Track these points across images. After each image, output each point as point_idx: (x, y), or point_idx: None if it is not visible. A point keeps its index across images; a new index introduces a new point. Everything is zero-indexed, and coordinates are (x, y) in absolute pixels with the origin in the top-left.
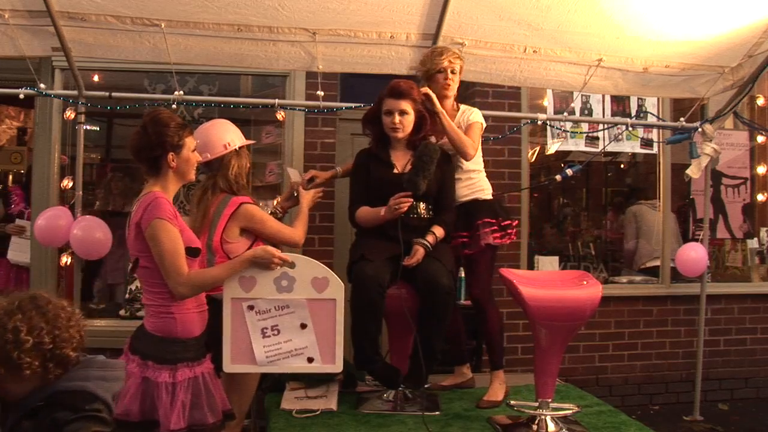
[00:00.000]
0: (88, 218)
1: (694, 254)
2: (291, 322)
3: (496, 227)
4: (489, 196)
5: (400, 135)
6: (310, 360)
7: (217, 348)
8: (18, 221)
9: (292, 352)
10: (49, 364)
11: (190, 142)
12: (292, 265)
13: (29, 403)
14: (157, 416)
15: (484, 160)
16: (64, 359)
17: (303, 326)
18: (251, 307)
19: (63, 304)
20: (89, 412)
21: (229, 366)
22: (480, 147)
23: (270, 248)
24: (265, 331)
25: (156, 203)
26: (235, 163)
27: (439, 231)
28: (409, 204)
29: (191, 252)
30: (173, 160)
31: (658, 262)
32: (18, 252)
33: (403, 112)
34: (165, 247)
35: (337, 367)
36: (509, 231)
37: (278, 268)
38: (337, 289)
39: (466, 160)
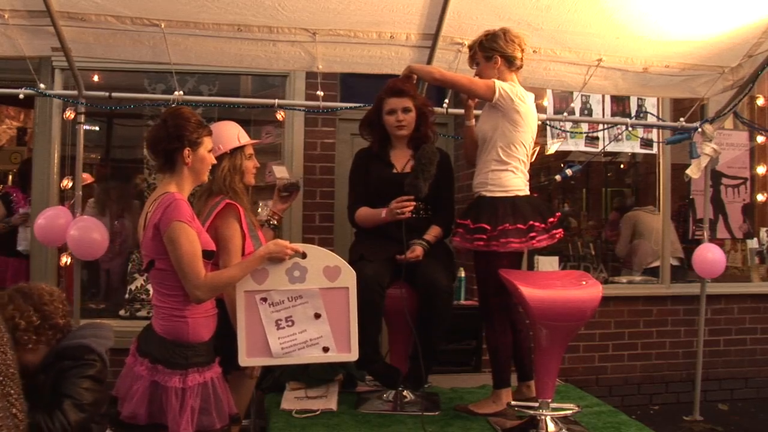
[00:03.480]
0: (86, 218)
1: (711, 255)
2: (305, 312)
3: (461, 229)
4: (496, 194)
5: (405, 132)
6: (326, 349)
7: (224, 350)
8: (21, 210)
9: (307, 342)
10: (48, 333)
11: (207, 141)
12: (303, 256)
13: (44, 362)
14: (165, 420)
15: None
16: (56, 326)
17: (317, 316)
18: (264, 299)
19: (42, 286)
20: (87, 361)
21: (244, 360)
22: (509, 143)
23: (281, 241)
24: (279, 322)
25: (175, 205)
26: (226, 164)
27: (436, 230)
28: (411, 208)
29: (206, 255)
30: (189, 156)
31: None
32: (28, 242)
33: (406, 110)
34: (184, 251)
35: (353, 355)
36: (478, 235)
37: (289, 258)
38: (349, 277)
39: (484, 99)
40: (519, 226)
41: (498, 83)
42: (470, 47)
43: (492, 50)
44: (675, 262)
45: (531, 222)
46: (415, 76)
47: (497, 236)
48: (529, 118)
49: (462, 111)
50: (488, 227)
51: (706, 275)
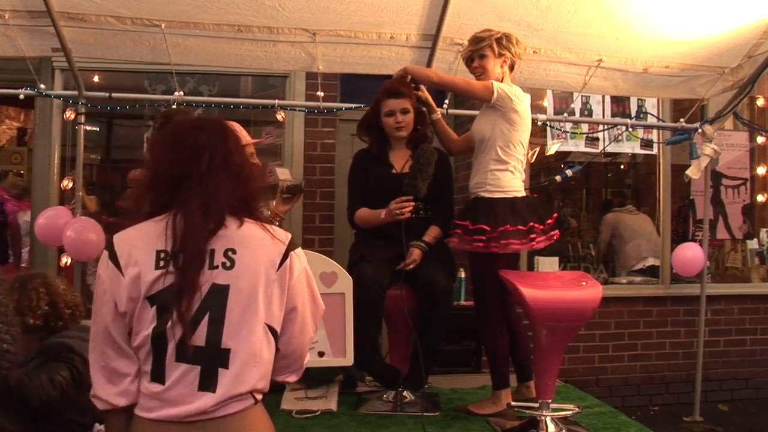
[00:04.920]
0: (82, 219)
1: (691, 254)
2: None
3: (460, 230)
4: (495, 195)
5: (404, 133)
6: (321, 354)
7: None
8: None
9: None
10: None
11: None
12: None
13: (28, 358)
14: None
15: None
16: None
17: None
18: None
19: (74, 299)
20: (64, 359)
21: None
22: (508, 142)
23: None
24: None
25: None
26: None
27: (435, 231)
28: (411, 208)
29: None
30: None
31: (651, 262)
32: None
33: (404, 111)
34: None
35: (348, 360)
36: (477, 237)
37: None
38: (345, 283)
39: (482, 99)
40: (519, 227)
41: (496, 84)
42: (483, 38)
43: (507, 50)
44: (657, 263)
45: (531, 223)
46: (409, 76)
47: (497, 237)
48: (526, 117)
49: (462, 112)
50: (488, 228)
51: (686, 273)
